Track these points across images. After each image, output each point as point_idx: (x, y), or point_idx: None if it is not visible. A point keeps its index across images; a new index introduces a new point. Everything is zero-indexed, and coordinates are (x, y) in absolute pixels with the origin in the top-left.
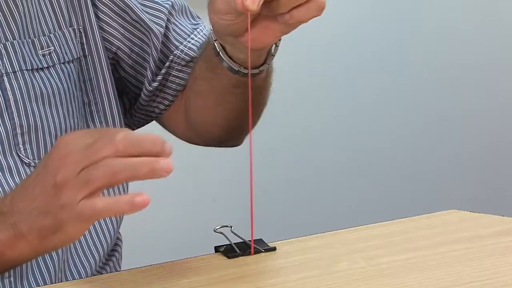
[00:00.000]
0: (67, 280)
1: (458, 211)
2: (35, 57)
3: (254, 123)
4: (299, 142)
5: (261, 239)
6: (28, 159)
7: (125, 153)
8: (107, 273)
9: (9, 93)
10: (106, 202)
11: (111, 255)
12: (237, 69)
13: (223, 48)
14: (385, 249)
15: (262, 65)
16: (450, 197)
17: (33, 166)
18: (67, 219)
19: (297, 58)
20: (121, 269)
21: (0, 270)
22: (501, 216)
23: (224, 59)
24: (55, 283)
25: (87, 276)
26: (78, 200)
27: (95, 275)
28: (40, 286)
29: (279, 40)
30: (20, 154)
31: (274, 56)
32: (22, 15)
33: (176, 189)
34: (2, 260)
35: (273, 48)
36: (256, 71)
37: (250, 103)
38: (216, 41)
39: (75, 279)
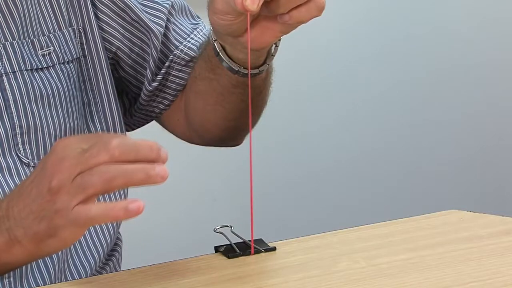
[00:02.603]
0: (67, 280)
1: (458, 211)
2: (34, 57)
3: (254, 123)
4: (299, 142)
5: (261, 239)
6: (28, 159)
7: (120, 159)
8: (107, 273)
9: (9, 93)
10: (101, 208)
11: (111, 255)
12: (236, 69)
13: (223, 48)
14: (385, 249)
15: (262, 65)
16: (450, 197)
17: (33, 166)
18: (61, 224)
19: (296, 58)
20: (121, 269)
21: None
22: (501, 216)
23: (224, 59)
24: (55, 283)
25: (87, 276)
26: (72, 205)
27: (95, 275)
28: (40, 286)
29: (279, 40)
30: (19, 155)
31: (274, 56)
32: (22, 15)
33: (176, 189)
34: None
35: (273, 48)
36: (256, 71)
37: (250, 103)
38: (216, 41)
39: (75, 279)
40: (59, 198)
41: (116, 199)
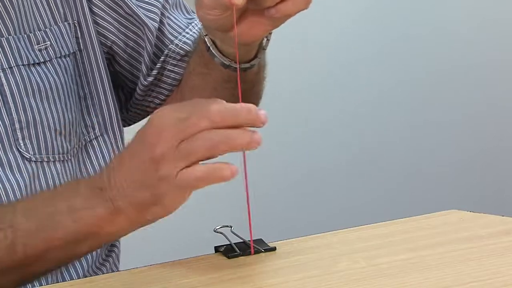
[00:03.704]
0: (63, 277)
1: (458, 211)
2: (31, 52)
3: None
4: (299, 142)
5: (261, 239)
6: (29, 154)
7: (221, 124)
8: (106, 270)
9: (6, 88)
10: (205, 169)
11: (111, 250)
12: (228, 64)
13: (214, 43)
14: (385, 249)
15: (253, 59)
16: (450, 198)
17: (34, 161)
18: (166, 191)
19: (296, 58)
20: (120, 268)
21: (100, 243)
22: (501, 216)
23: (215, 54)
24: (52, 280)
25: (84, 273)
26: (176, 172)
27: (95, 271)
28: (37, 282)
29: (270, 33)
30: (20, 149)
31: (265, 50)
32: (17, 10)
33: None
34: (102, 234)
35: (264, 42)
36: (248, 65)
37: (240, 97)
38: (207, 36)
39: (72, 276)
40: (162, 166)
41: None
